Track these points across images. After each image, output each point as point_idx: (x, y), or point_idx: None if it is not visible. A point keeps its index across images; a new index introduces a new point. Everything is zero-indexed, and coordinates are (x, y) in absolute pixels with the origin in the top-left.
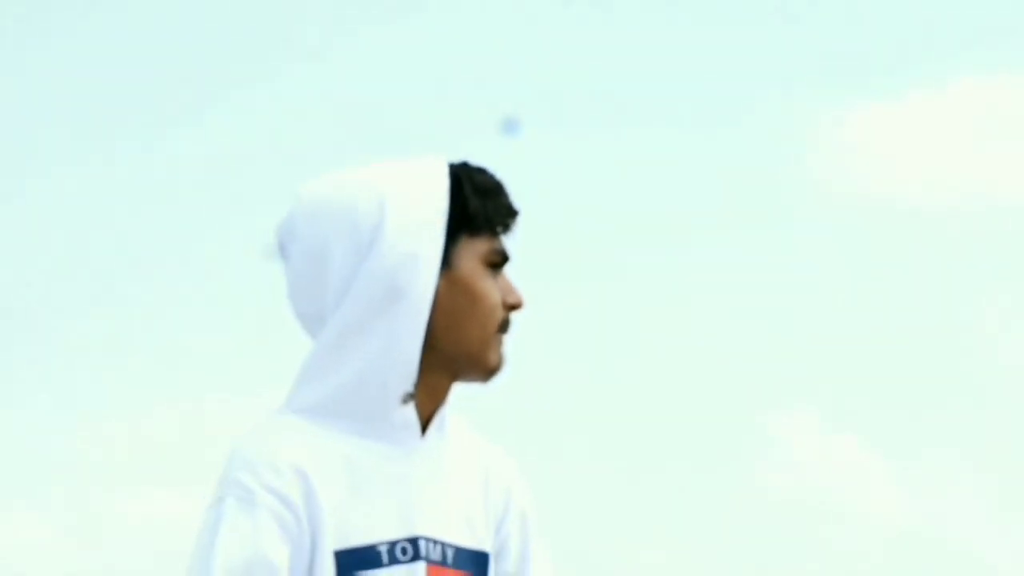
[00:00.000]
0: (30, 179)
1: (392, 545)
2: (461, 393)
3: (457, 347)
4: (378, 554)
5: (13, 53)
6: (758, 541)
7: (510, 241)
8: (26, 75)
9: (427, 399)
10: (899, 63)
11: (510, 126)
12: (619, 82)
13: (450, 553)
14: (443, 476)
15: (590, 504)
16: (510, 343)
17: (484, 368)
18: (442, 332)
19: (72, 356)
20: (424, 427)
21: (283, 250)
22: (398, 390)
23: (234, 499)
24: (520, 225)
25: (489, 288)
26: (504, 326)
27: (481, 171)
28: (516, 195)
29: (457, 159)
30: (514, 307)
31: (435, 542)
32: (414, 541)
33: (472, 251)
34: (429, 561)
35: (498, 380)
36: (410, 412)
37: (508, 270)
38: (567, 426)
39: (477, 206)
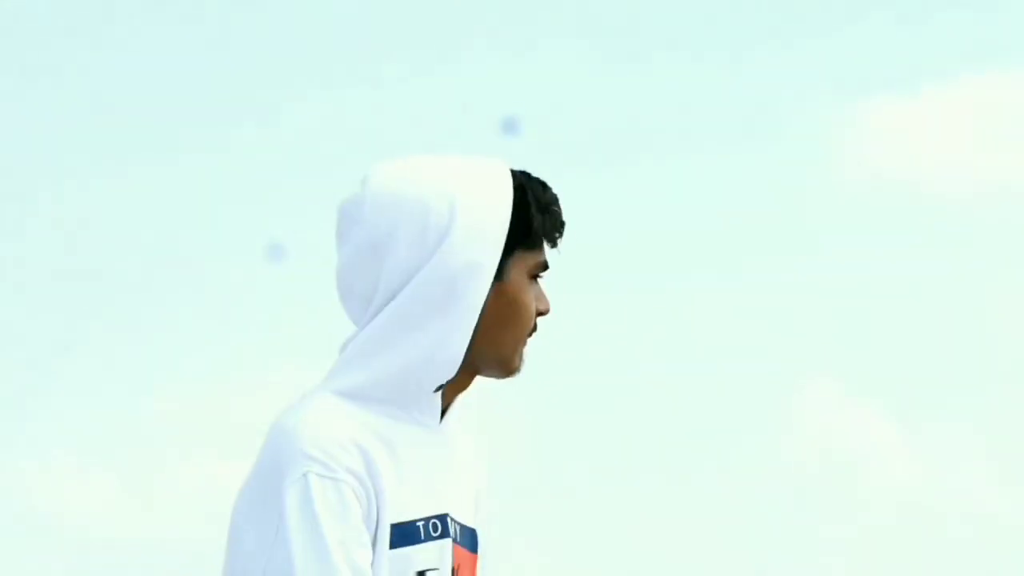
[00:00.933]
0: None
1: (427, 521)
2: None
3: (492, 350)
4: (417, 529)
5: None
6: (782, 508)
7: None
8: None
9: (451, 390)
10: (916, 57)
11: (509, 125)
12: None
13: (461, 531)
14: (456, 459)
15: (616, 474)
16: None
17: (509, 370)
18: (481, 335)
19: (146, 329)
20: (443, 414)
21: (344, 229)
22: (431, 384)
23: (316, 475)
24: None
25: (530, 299)
26: (533, 331)
27: (543, 185)
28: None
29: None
30: (543, 313)
31: (454, 520)
32: (443, 518)
33: (523, 264)
34: (454, 539)
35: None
36: (437, 401)
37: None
38: (595, 399)
39: (539, 223)
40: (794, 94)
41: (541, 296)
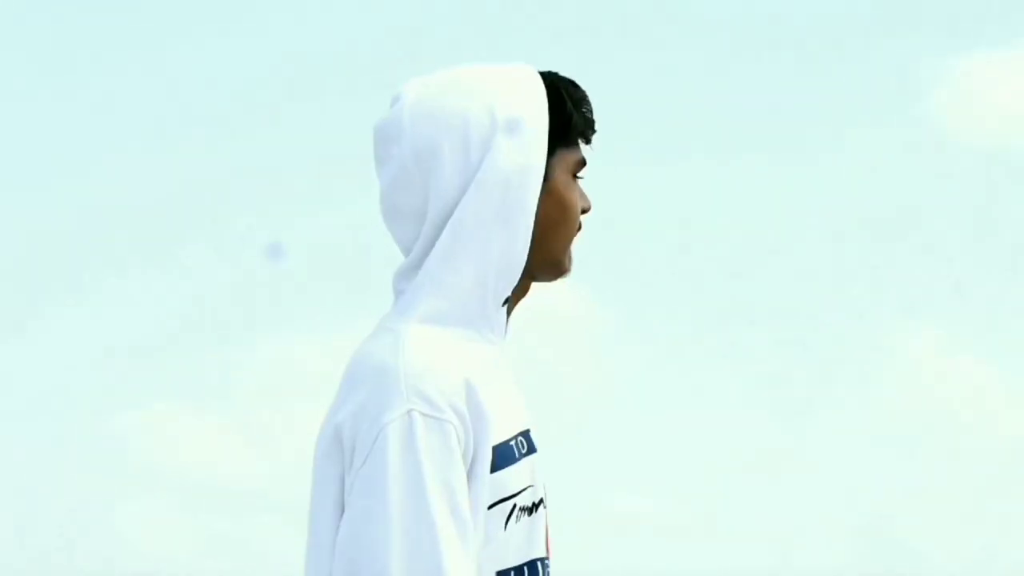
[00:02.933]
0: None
1: (516, 439)
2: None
3: (547, 254)
4: (511, 449)
5: None
6: (879, 453)
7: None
8: None
9: (513, 301)
10: (1016, 11)
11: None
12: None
13: (535, 442)
14: (512, 370)
15: (724, 418)
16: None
17: (562, 272)
18: (537, 240)
19: (265, 288)
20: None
21: (382, 151)
22: (502, 295)
23: (421, 415)
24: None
25: (575, 198)
26: (579, 230)
27: (573, 83)
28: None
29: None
30: (586, 211)
31: (530, 432)
32: (526, 434)
33: (565, 162)
34: (535, 452)
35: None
36: (503, 315)
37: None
38: (702, 348)
39: (576, 120)
40: (893, 52)
41: (583, 194)
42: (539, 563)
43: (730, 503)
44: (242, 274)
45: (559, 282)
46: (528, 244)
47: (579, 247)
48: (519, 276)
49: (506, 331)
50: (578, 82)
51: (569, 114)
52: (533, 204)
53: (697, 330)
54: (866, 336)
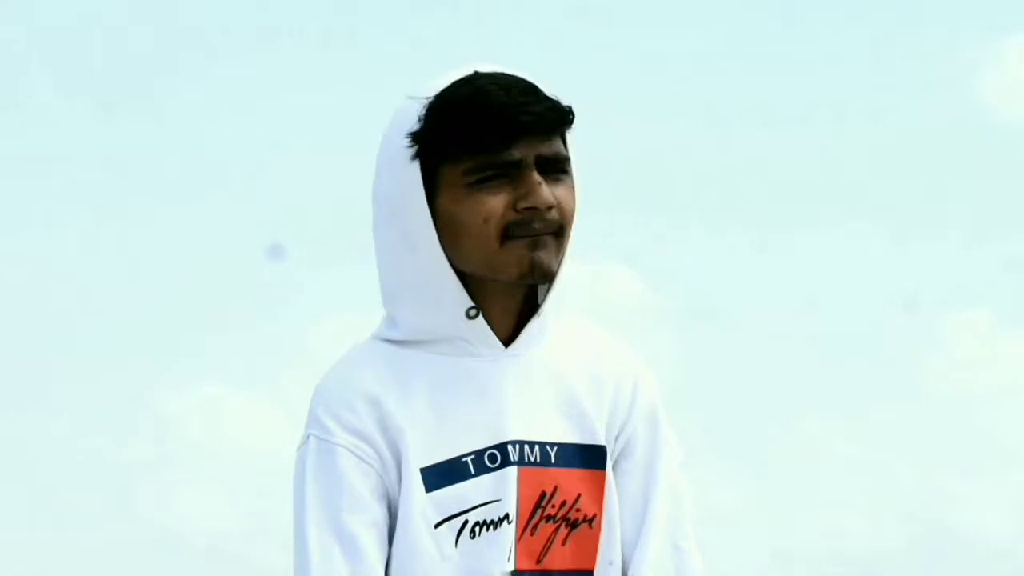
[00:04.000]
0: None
1: (479, 455)
2: None
3: (474, 266)
4: (464, 465)
5: None
6: (926, 437)
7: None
8: None
9: (499, 311)
10: None
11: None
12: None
13: (553, 452)
14: (541, 381)
15: (763, 394)
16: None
17: (510, 279)
18: (454, 255)
19: (307, 269)
20: (513, 337)
21: None
22: (457, 308)
23: (315, 439)
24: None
25: (472, 208)
26: (512, 231)
27: (473, 86)
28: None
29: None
30: (529, 209)
31: (531, 444)
32: (502, 447)
33: (451, 176)
34: (524, 464)
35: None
36: (481, 327)
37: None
38: (744, 317)
39: (446, 133)
40: (939, 32)
41: (524, 193)
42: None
43: (781, 488)
44: (292, 257)
45: (534, 281)
46: (436, 259)
47: None
48: (455, 288)
49: (514, 340)
50: (504, 77)
51: (443, 130)
52: (419, 221)
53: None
54: (915, 319)
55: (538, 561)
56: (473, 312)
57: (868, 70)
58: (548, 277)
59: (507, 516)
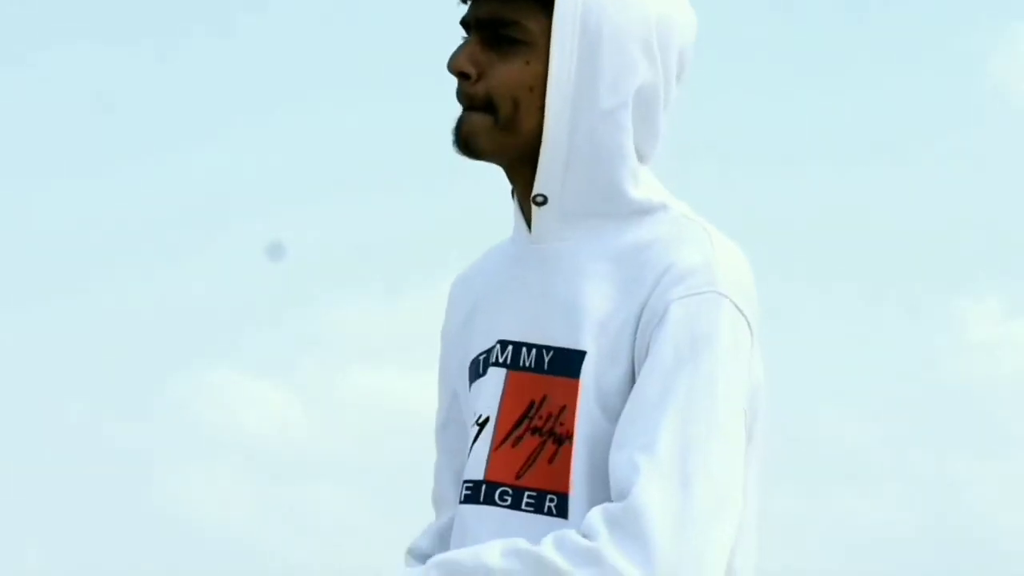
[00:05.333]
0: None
1: (487, 353)
2: None
3: None
4: (478, 363)
5: None
6: (936, 423)
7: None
8: None
9: (518, 198)
10: None
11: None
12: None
13: (549, 356)
14: (554, 277)
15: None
16: None
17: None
18: None
19: (321, 248)
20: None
21: None
22: (511, 186)
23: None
24: None
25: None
26: (459, 95)
27: None
28: None
29: None
30: (454, 73)
31: (528, 346)
32: (495, 347)
33: None
34: (517, 368)
35: None
36: (516, 214)
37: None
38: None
39: None
40: (951, 17)
41: (455, 54)
42: (479, 484)
43: (789, 478)
44: (304, 244)
45: (461, 154)
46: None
47: None
48: (464, 152)
49: (539, 229)
50: None
51: None
52: None
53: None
54: (927, 305)
55: (517, 476)
56: (513, 200)
57: (881, 58)
58: (473, 154)
59: (486, 421)
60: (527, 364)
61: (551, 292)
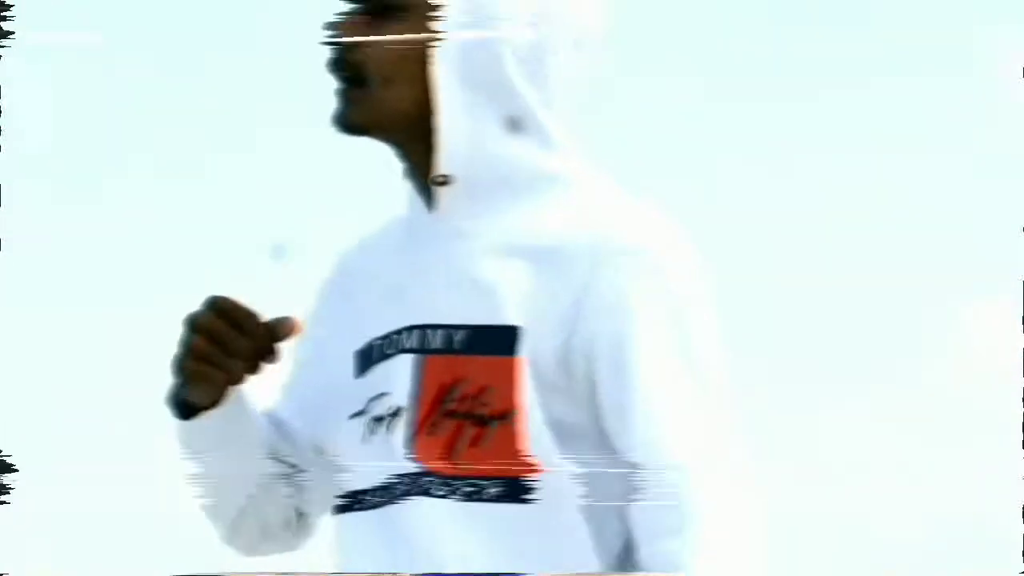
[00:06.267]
0: None
1: (384, 339)
2: None
3: None
4: (370, 350)
5: None
6: (948, 427)
7: None
8: None
9: (411, 175)
10: None
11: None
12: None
13: (458, 336)
14: (460, 255)
15: (784, 373)
16: None
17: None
18: None
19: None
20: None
21: None
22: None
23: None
24: None
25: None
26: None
27: None
28: None
29: None
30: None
31: (433, 328)
32: (397, 333)
33: None
34: (425, 351)
35: None
36: (410, 190)
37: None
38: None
39: None
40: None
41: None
42: (404, 477)
43: (791, 473)
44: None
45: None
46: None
47: None
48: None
49: (445, 209)
50: None
51: None
52: None
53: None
54: (929, 310)
55: (442, 463)
56: (404, 176)
57: (890, 57)
58: (347, 129)
59: (399, 411)
60: (435, 346)
61: (460, 270)
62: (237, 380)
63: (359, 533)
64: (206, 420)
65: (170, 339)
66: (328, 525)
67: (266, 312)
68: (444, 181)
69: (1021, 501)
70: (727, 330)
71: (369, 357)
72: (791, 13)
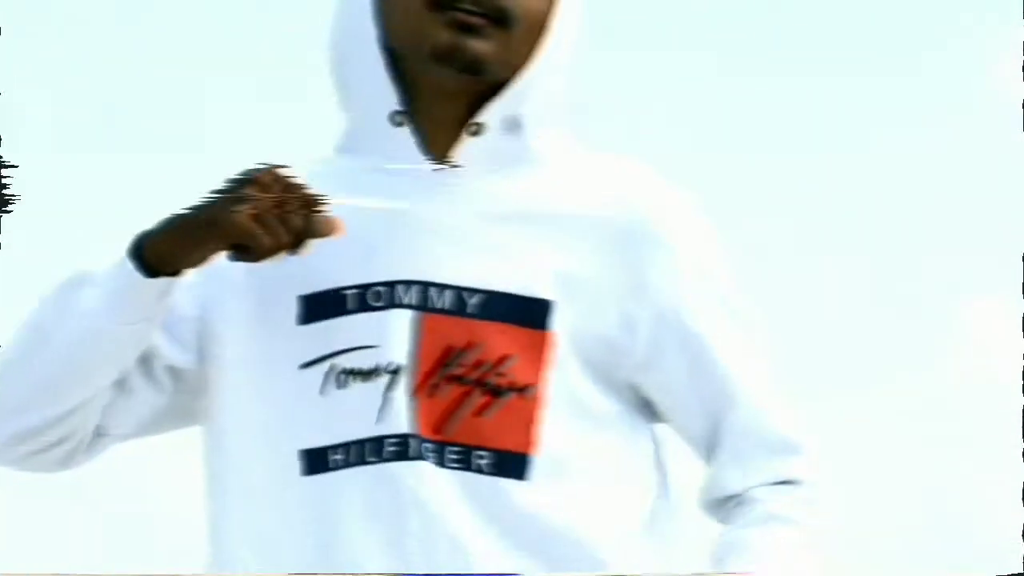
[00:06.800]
0: None
1: (364, 289)
2: None
3: (397, 39)
4: (342, 298)
5: None
6: (948, 427)
7: None
8: None
9: (434, 123)
10: None
11: None
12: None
13: (472, 300)
14: (473, 214)
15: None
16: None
17: (422, 55)
18: (387, 27)
19: None
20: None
21: None
22: (379, 107)
23: None
24: None
25: None
26: (437, 1)
27: None
28: None
29: None
30: None
31: (439, 287)
32: (390, 285)
33: None
34: (426, 309)
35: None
36: (404, 138)
37: None
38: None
39: None
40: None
41: None
42: (387, 440)
43: None
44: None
45: (452, 67)
46: (365, 36)
47: None
48: (380, 76)
49: (462, 161)
50: None
51: None
52: None
53: None
54: (932, 309)
55: (437, 430)
56: (399, 119)
57: (888, 61)
58: (473, 69)
59: (387, 367)
60: (441, 306)
61: (476, 231)
62: (270, 253)
63: (354, 493)
64: (161, 285)
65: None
66: (265, 490)
67: None
68: (478, 131)
69: (1021, 501)
70: None
71: (325, 304)
72: (791, 13)
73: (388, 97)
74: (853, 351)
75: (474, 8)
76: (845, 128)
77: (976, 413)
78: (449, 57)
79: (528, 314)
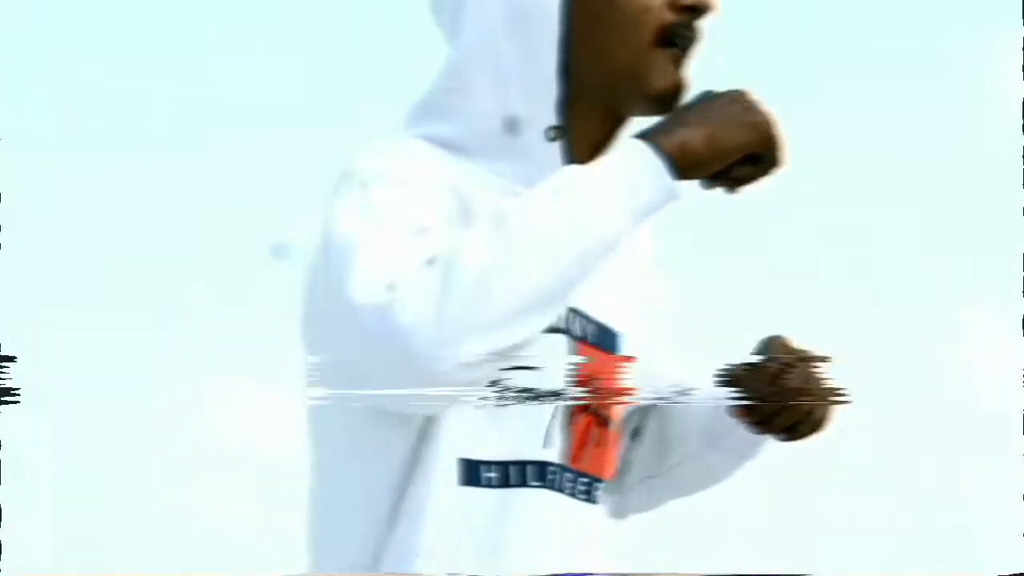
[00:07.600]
0: None
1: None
2: None
3: (601, 69)
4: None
5: None
6: (947, 441)
7: None
8: None
9: (581, 139)
10: None
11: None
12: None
13: (588, 328)
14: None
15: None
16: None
17: (643, 93)
18: (580, 51)
19: None
20: None
21: None
22: (539, 123)
23: (383, 183)
24: None
25: None
26: (667, 36)
27: None
28: None
29: None
30: (690, 8)
31: (587, 319)
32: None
33: None
34: (582, 339)
35: None
36: (553, 151)
37: None
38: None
39: None
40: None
41: None
42: (532, 465)
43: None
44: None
45: (667, 104)
46: (553, 55)
47: None
48: (552, 98)
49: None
50: None
51: None
52: (548, 4)
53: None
54: (932, 318)
55: (574, 459)
56: (553, 132)
57: (886, 68)
58: (681, 89)
59: (547, 394)
60: (579, 334)
61: (618, 264)
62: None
63: (477, 512)
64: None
65: (174, 347)
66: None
67: (265, 310)
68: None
69: (1021, 501)
70: (728, 334)
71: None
72: (789, 13)
73: (548, 111)
74: (853, 351)
75: (695, 38)
76: (844, 128)
77: (976, 413)
78: (673, 97)
79: (615, 343)
